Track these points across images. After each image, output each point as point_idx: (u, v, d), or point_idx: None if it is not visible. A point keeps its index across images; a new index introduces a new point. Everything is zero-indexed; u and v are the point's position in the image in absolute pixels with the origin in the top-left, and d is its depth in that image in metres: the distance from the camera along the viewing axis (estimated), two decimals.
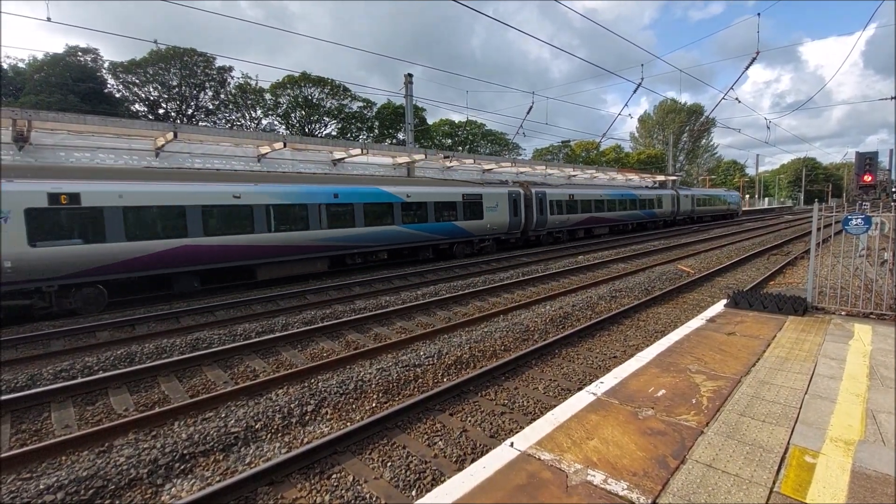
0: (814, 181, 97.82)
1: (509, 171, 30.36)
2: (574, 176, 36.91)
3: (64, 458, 4.57)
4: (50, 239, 9.98)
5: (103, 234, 10.64)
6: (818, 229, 7.64)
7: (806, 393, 4.39)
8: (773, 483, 3.03)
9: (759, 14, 18.15)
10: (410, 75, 25.12)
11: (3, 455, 4.47)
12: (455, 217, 19.08)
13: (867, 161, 10.52)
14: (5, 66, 35.64)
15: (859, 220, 7.21)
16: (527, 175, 31.56)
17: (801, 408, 4.09)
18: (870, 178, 10.92)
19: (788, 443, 3.52)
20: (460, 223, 19.30)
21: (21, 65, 35.95)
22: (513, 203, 21.78)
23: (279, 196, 13.86)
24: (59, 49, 41.51)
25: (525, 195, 22.69)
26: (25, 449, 4.59)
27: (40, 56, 34.88)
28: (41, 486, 3.92)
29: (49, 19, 10.82)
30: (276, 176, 15.57)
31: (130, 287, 12.37)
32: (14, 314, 10.04)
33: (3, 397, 5.79)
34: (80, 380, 6.40)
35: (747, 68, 20.76)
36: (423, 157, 23.81)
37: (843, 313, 7.19)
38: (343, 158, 21.51)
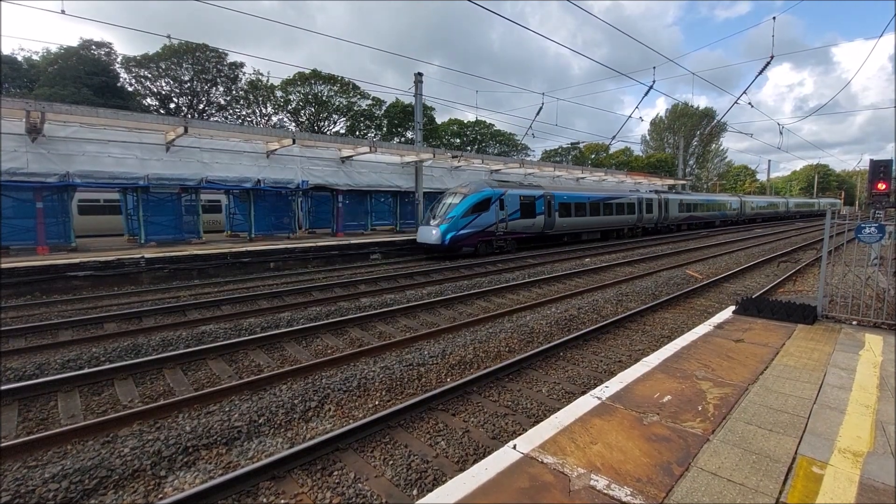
0: (826, 188, 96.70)
1: (517, 172, 30.31)
2: (582, 178, 36.78)
3: (69, 447, 4.61)
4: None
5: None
6: (830, 237, 7.53)
7: (815, 402, 4.33)
8: (780, 493, 2.98)
9: (774, 17, 17.90)
10: (420, 74, 25.06)
11: (10, 443, 4.52)
12: None
13: (882, 168, 10.33)
14: (20, 58, 36.13)
15: (873, 229, 7.09)
16: (535, 177, 31.45)
17: (809, 417, 4.03)
18: (884, 186, 10.72)
19: (796, 453, 3.46)
20: None
21: (35, 57, 36.45)
22: None
23: None
24: (74, 42, 42.04)
25: None
26: (32, 437, 4.64)
27: (54, 49, 35.32)
28: (46, 475, 3.95)
29: (63, 12, 10.91)
30: None
31: None
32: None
33: (11, 386, 5.86)
34: (86, 370, 6.46)
35: (761, 72, 20.46)
36: (431, 155, 23.83)
37: (853, 323, 7.09)
38: (351, 156, 21.60)
